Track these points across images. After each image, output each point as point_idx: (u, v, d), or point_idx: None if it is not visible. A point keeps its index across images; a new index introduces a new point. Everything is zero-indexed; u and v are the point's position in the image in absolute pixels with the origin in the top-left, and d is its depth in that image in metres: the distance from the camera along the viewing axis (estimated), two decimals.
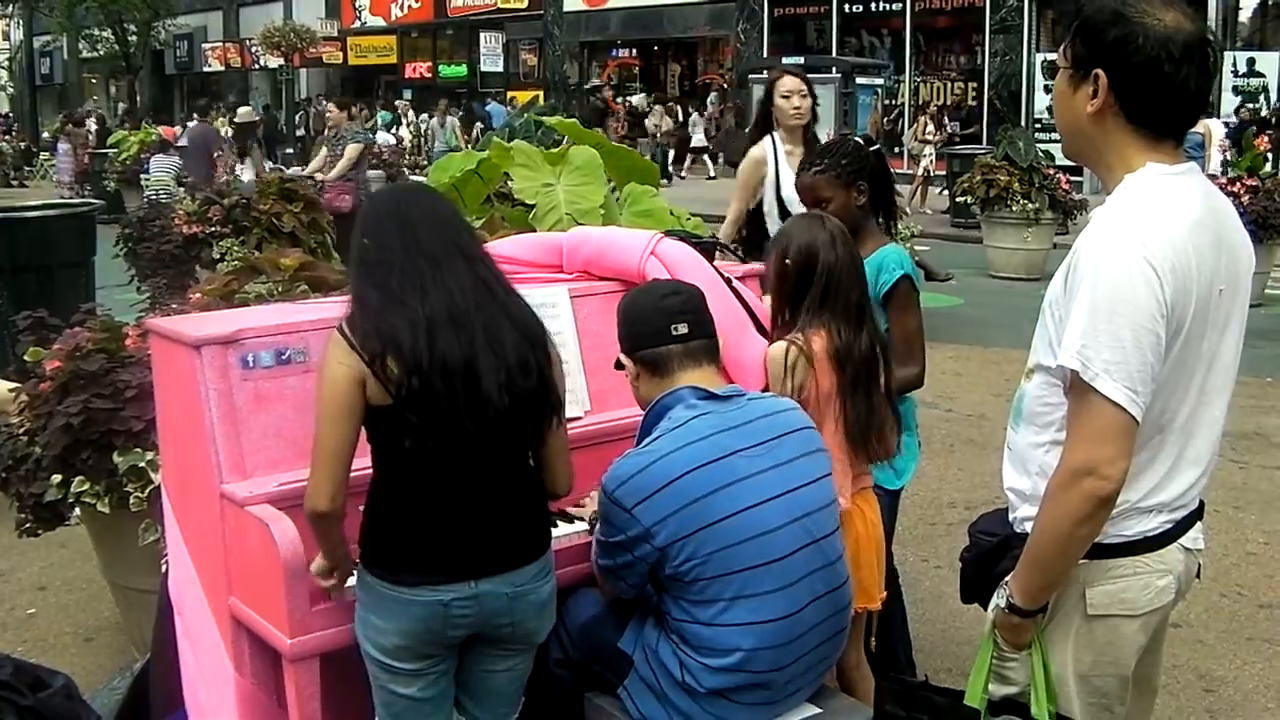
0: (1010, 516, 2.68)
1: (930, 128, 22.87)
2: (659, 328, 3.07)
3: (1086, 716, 2.63)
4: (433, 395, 2.71)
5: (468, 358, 2.73)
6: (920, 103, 26.03)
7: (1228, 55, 23.05)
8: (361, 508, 2.88)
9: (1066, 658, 2.60)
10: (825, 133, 20.15)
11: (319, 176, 12.30)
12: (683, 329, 3.07)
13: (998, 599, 2.60)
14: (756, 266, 4.09)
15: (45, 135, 37.35)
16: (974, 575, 2.76)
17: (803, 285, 3.45)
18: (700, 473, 2.88)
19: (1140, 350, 2.32)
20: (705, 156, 29.43)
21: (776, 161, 5.50)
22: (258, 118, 22.04)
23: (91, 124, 29.38)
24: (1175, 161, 2.48)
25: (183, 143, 18.04)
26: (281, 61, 29.96)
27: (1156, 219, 2.38)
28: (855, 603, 3.28)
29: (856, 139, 4.29)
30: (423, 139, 29.88)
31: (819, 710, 3.10)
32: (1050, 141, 18.38)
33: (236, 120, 20.43)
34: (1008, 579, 2.58)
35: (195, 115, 20.30)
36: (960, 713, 2.70)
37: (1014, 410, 2.68)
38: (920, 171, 21.84)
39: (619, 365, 3.21)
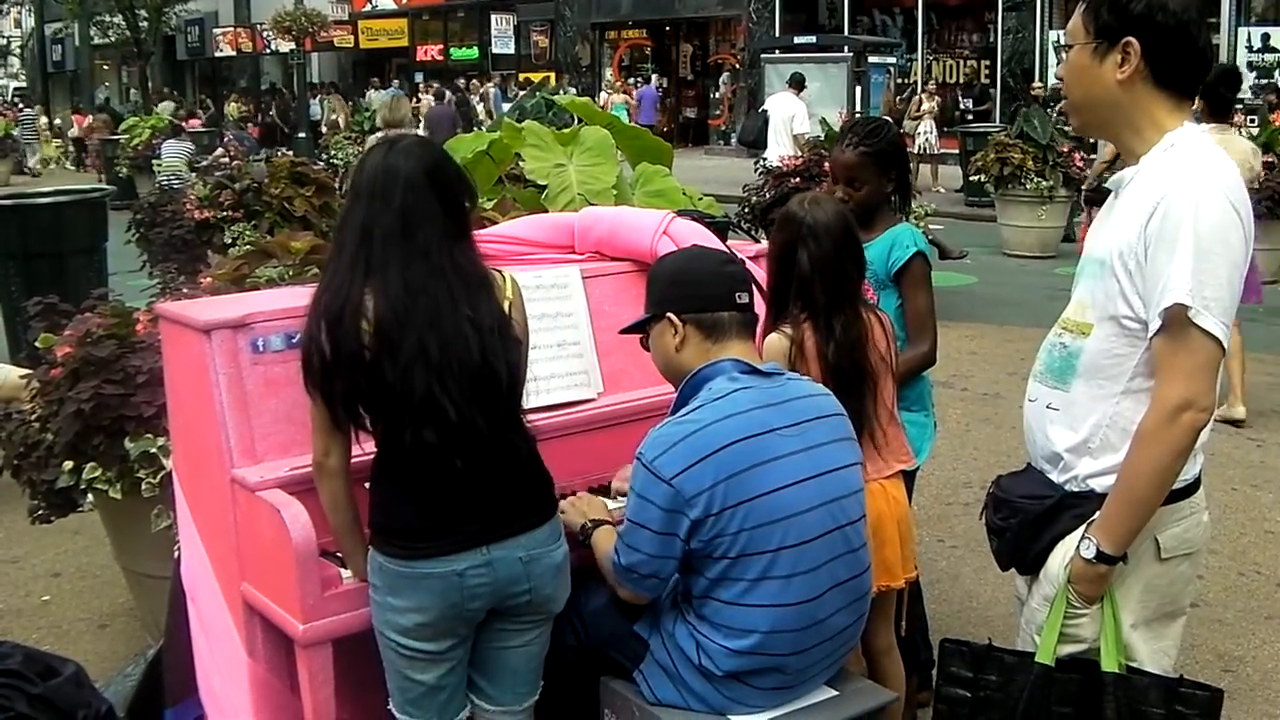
0: (1059, 477, 2.75)
1: (925, 105, 22.51)
2: (725, 293, 3.02)
3: (1152, 663, 2.72)
4: (386, 405, 2.72)
5: (406, 387, 2.67)
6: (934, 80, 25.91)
7: (1242, 31, 22.98)
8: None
9: (1134, 605, 2.69)
10: (837, 112, 19.93)
11: None
12: (745, 299, 3.04)
13: (1083, 552, 2.63)
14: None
15: (58, 121, 37.42)
16: (1023, 540, 2.80)
17: (783, 280, 3.43)
18: (741, 446, 2.82)
19: (1232, 287, 2.50)
20: None
21: None
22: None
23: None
24: (1192, 122, 2.66)
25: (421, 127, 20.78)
26: (293, 46, 29.93)
27: (1227, 167, 2.57)
28: (876, 581, 3.25)
29: (886, 120, 4.28)
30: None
31: (835, 693, 3.06)
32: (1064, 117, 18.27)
33: None
34: (1088, 531, 2.63)
35: (434, 99, 25.98)
36: (1031, 669, 2.74)
37: (1057, 369, 2.74)
38: (916, 150, 21.54)
39: (642, 328, 3.11)
